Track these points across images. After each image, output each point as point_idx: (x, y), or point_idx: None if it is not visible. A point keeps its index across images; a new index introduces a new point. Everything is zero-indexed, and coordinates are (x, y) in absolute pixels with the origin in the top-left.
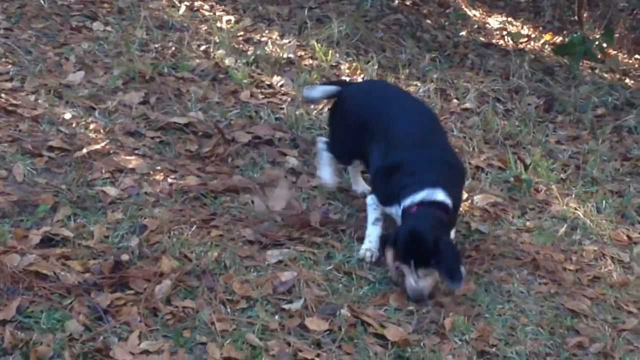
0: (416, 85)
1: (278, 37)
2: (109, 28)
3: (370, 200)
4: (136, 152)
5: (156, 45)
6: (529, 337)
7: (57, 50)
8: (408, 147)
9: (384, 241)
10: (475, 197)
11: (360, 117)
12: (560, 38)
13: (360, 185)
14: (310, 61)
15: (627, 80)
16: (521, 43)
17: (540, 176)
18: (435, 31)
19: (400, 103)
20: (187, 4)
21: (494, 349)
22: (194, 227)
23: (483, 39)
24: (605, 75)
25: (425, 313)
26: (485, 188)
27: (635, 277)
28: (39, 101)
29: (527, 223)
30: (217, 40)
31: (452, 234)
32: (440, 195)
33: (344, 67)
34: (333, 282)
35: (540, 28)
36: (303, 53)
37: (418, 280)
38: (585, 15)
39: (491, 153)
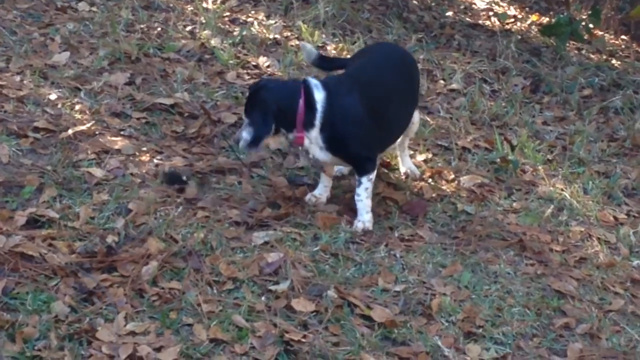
0: None
1: (264, 18)
2: (94, 8)
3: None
4: (122, 133)
5: (142, 26)
6: (516, 318)
7: (43, 30)
8: None
9: None
10: (461, 178)
11: None
12: (547, 19)
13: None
14: (297, 42)
15: (614, 61)
16: (508, 24)
17: (527, 157)
18: (422, 12)
19: None
20: None
21: (480, 330)
22: (180, 208)
23: (469, 20)
24: (592, 56)
25: (412, 294)
26: (472, 169)
27: (621, 258)
28: (24, 82)
29: (514, 204)
30: (203, 21)
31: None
32: (317, 91)
33: (330, 47)
34: (320, 264)
35: (527, 9)
36: (289, 34)
37: (243, 127)
38: None
39: (478, 134)
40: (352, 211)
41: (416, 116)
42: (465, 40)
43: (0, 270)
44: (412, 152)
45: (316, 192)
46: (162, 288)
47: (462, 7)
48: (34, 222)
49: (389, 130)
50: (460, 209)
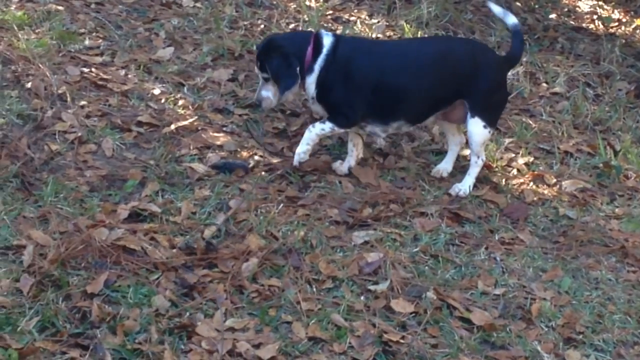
0: None
1: (367, 17)
2: (198, 4)
3: None
4: (224, 129)
5: (245, 23)
6: (617, 325)
7: (147, 25)
8: None
9: None
10: (563, 183)
11: None
12: None
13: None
14: None
15: None
16: (612, 27)
17: (630, 163)
18: (525, 14)
19: None
20: None
21: (580, 336)
22: (281, 205)
23: (573, 23)
24: None
25: (511, 298)
26: (574, 173)
27: None
28: (129, 76)
29: (616, 210)
30: (306, 19)
31: None
32: (327, 37)
33: None
34: (419, 265)
35: (632, 12)
36: (392, 33)
37: (261, 85)
38: None
39: (580, 138)
40: (455, 216)
41: (475, 125)
42: (568, 44)
43: (102, 263)
44: (513, 155)
45: (345, 162)
46: (262, 285)
47: (565, 9)
48: (136, 216)
49: (390, 104)
50: (561, 214)
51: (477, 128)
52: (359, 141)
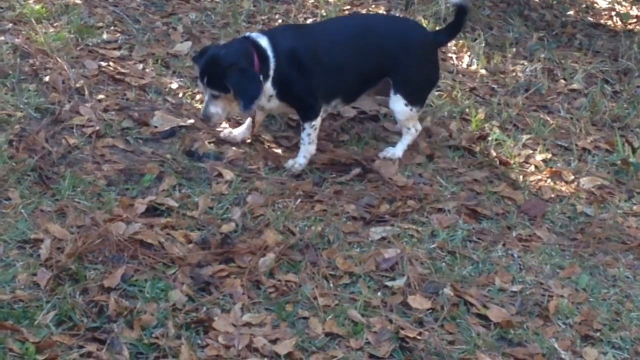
0: (523, 64)
1: (385, 12)
2: None
3: None
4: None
5: (263, 17)
6: (634, 322)
7: (165, 19)
8: None
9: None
10: (581, 180)
11: None
12: None
13: None
14: None
15: None
16: (630, 24)
17: None
18: (543, 10)
19: None
20: None
21: (598, 334)
22: (298, 200)
23: (591, 19)
24: None
25: (529, 295)
26: (592, 170)
27: None
28: (147, 70)
29: (634, 207)
30: (324, 14)
31: None
32: (260, 38)
33: (450, 44)
34: (436, 261)
35: None
36: None
37: (208, 102)
38: None
39: (598, 135)
40: (472, 212)
41: (397, 103)
42: (586, 40)
43: (120, 257)
44: (530, 152)
45: (235, 130)
46: (279, 280)
47: (583, 6)
48: (153, 210)
49: (329, 82)
50: (579, 211)
51: (398, 106)
52: (260, 119)
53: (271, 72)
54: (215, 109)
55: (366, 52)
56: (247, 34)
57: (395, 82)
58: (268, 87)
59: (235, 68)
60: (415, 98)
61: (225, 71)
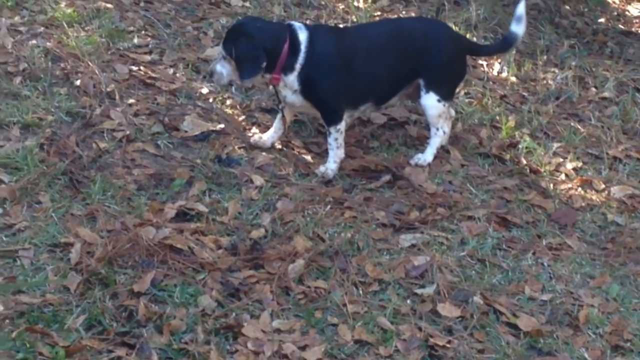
0: (554, 72)
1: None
2: (247, 4)
3: None
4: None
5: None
6: None
7: (196, 24)
8: None
9: None
10: (612, 188)
11: None
12: None
13: None
14: None
15: None
16: None
17: None
18: (574, 17)
19: None
20: None
21: (628, 344)
22: (328, 207)
23: (622, 27)
24: None
25: (559, 304)
26: (623, 179)
27: None
28: (177, 75)
29: None
30: (354, 20)
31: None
32: (301, 31)
33: None
34: (466, 269)
35: None
36: None
37: (218, 59)
38: None
39: (629, 144)
40: (502, 220)
41: (429, 99)
42: (618, 48)
43: (149, 262)
44: (561, 160)
45: (264, 135)
46: (308, 287)
47: (615, 13)
48: (183, 215)
49: (361, 85)
50: (610, 220)
51: (431, 101)
52: (289, 118)
53: (297, 66)
54: (221, 68)
55: (399, 55)
56: (292, 22)
57: (428, 81)
58: (292, 79)
59: (248, 41)
60: (446, 93)
61: (239, 38)
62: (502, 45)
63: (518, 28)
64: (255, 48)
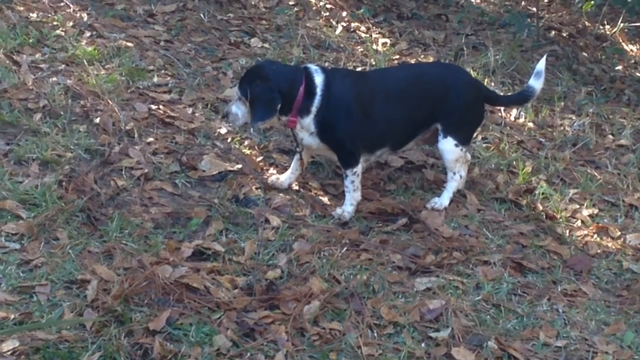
0: (571, 118)
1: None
2: (266, 45)
3: None
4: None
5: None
6: None
7: (215, 64)
8: None
9: None
10: (628, 236)
11: None
12: None
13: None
14: None
15: None
16: None
17: None
18: (592, 65)
19: None
20: (344, 24)
21: None
22: (344, 249)
23: None
24: None
25: (573, 350)
26: (639, 227)
27: None
28: (196, 114)
29: None
30: (373, 63)
31: None
32: (318, 74)
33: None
34: (481, 313)
35: None
36: None
37: (234, 101)
38: None
39: None
40: (518, 266)
41: (447, 144)
42: (635, 96)
43: (165, 301)
44: (577, 206)
45: (282, 176)
46: (323, 328)
47: (632, 61)
48: (199, 254)
49: (378, 131)
50: (625, 267)
51: (448, 146)
52: (306, 159)
53: (314, 109)
54: (236, 109)
55: (418, 101)
56: (308, 65)
57: (446, 125)
58: (308, 122)
59: (264, 83)
60: (464, 138)
61: (255, 80)
62: (519, 97)
63: (536, 83)
64: (271, 90)
